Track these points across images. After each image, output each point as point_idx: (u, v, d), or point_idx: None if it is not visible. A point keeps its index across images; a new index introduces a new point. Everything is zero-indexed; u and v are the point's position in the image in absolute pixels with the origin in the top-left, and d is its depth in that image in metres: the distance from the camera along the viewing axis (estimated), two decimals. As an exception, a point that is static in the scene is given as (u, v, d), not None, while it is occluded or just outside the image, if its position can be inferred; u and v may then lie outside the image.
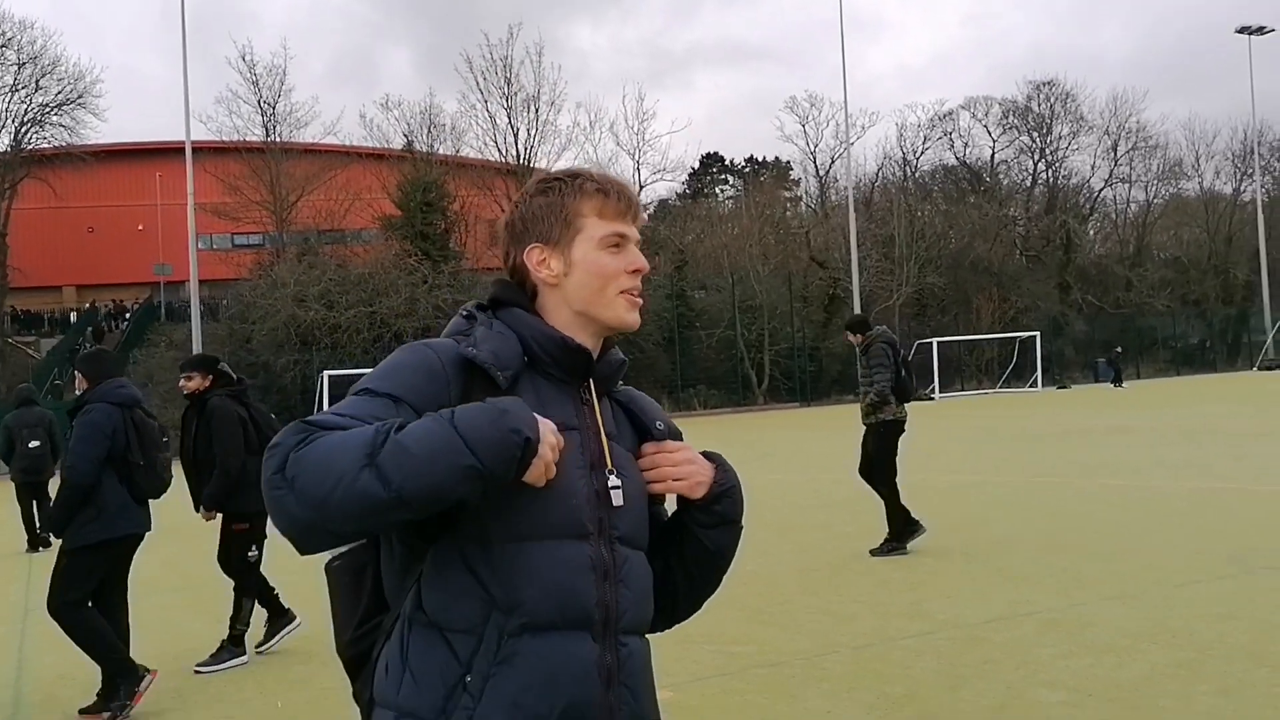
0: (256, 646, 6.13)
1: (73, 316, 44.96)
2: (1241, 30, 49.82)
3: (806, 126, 53.03)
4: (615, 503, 1.53)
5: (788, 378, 41.15)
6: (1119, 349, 41.84)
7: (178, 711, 5.22)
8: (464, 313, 1.63)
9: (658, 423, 1.67)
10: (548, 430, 1.41)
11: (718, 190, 62.43)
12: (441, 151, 40.88)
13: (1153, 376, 44.09)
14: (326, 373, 30.91)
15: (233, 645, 6.00)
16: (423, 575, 1.47)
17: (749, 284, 41.38)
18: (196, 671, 5.84)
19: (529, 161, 41.14)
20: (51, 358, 38.52)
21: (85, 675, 5.32)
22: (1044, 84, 54.07)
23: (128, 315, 44.54)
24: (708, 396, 38.90)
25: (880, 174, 54.00)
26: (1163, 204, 55.72)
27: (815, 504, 11.26)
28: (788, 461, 17.07)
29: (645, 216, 1.54)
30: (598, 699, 1.47)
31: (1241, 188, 55.18)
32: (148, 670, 5.14)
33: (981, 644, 5.46)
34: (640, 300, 1.64)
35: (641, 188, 44.57)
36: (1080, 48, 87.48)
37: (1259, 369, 45.53)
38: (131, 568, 5.47)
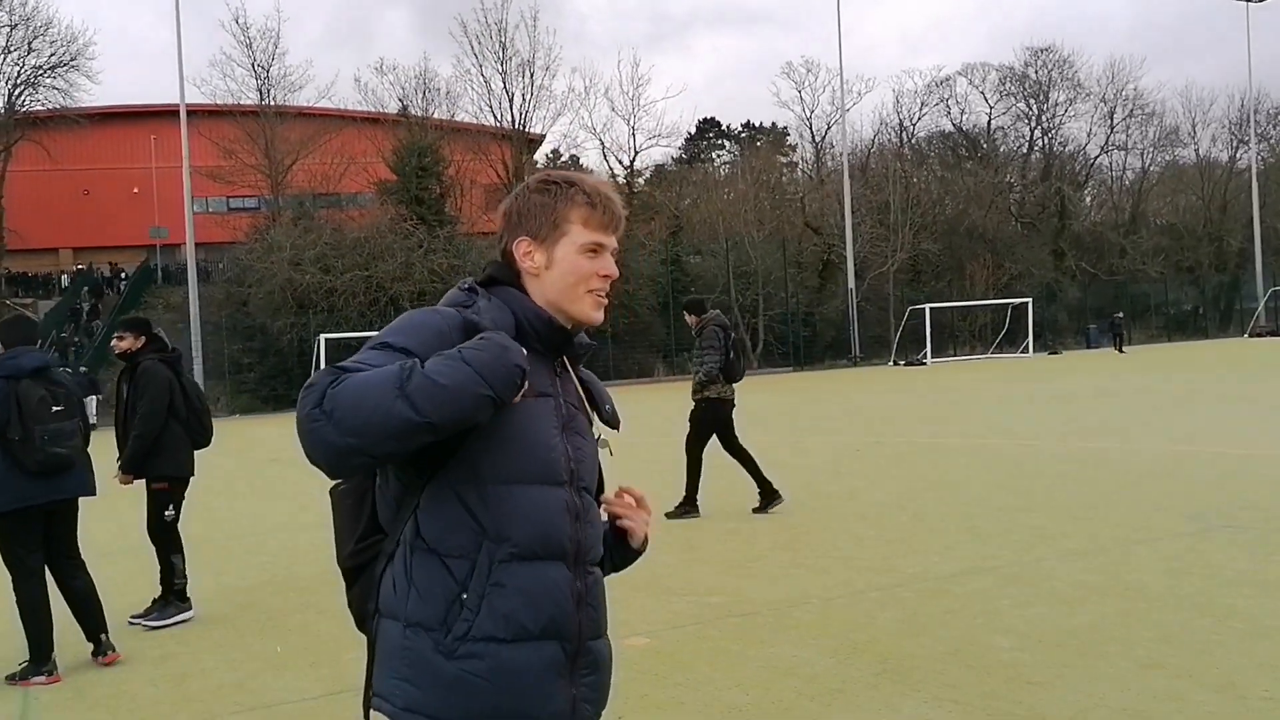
0: (131, 617, 6.12)
1: (64, 280, 44.99)
2: (1240, -4, 49.66)
3: (803, 92, 53.16)
4: (575, 463, 1.82)
5: (782, 342, 41.45)
6: (1120, 314, 42.10)
7: (182, 656, 5.51)
8: (464, 286, 1.88)
9: (606, 404, 1.96)
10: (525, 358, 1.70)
11: (714, 155, 62.40)
12: (436, 116, 40.83)
13: (1145, 343, 44.38)
14: (323, 336, 31.15)
15: (178, 600, 6.14)
16: (419, 507, 1.73)
17: (744, 249, 41.54)
18: (131, 623, 5.98)
19: (524, 126, 41.14)
20: (50, 320, 38.67)
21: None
22: (1042, 50, 53.99)
23: (124, 278, 44.62)
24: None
25: (876, 140, 54.05)
26: (1159, 171, 55.84)
27: (800, 465, 11.55)
28: (777, 424, 17.36)
29: (623, 224, 1.80)
30: (571, 615, 1.77)
31: (1238, 155, 55.30)
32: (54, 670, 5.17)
33: (944, 595, 5.74)
34: (605, 301, 1.90)
35: (637, 153, 44.64)
36: (1081, 13, 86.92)
37: (1250, 336, 45.87)
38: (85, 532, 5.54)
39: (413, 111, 40.47)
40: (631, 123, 44.95)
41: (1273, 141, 57.11)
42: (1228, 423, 13.54)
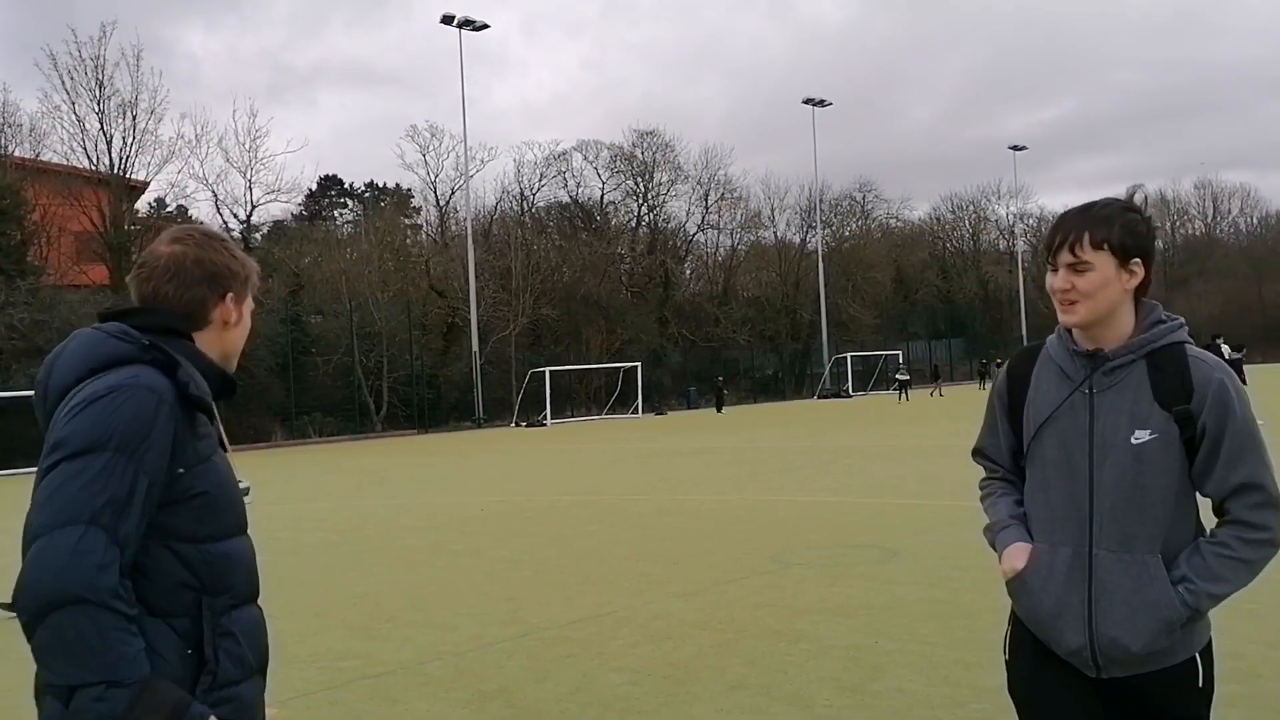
0: None
1: None
2: (807, 101, 57.50)
3: (427, 156, 53.51)
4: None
5: (406, 405, 41.10)
6: (720, 378, 46.37)
7: None
8: (143, 342, 1.82)
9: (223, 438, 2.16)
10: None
11: (336, 214, 60.94)
12: (18, 154, 36.38)
13: (736, 404, 49.12)
14: None
15: None
16: (133, 576, 1.73)
17: (368, 310, 40.90)
18: None
19: (125, 172, 37.76)
20: None
21: None
22: (647, 133, 58.80)
23: None
24: (324, 424, 37.86)
25: (499, 207, 55.73)
26: (745, 249, 62.52)
27: (426, 525, 11.70)
28: (402, 486, 17.32)
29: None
30: (268, 646, 2.02)
31: (807, 238, 63.29)
32: None
33: (566, 641, 6.21)
34: None
35: (254, 207, 42.62)
36: (682, 103, 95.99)
37: (818, 398, 52.42)
38: None
39: (-14, 147, 35.74)
40: (248, 175, 42.81)
41: (834, 228, 66.13)
42: (797, 474, 15.56)
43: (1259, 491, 2.09)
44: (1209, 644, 2.24)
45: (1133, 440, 2.12)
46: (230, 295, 1.99)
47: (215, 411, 1.97)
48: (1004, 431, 2.36)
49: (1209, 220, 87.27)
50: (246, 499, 2.11)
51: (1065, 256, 2.16)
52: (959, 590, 6.96)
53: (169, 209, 45.93)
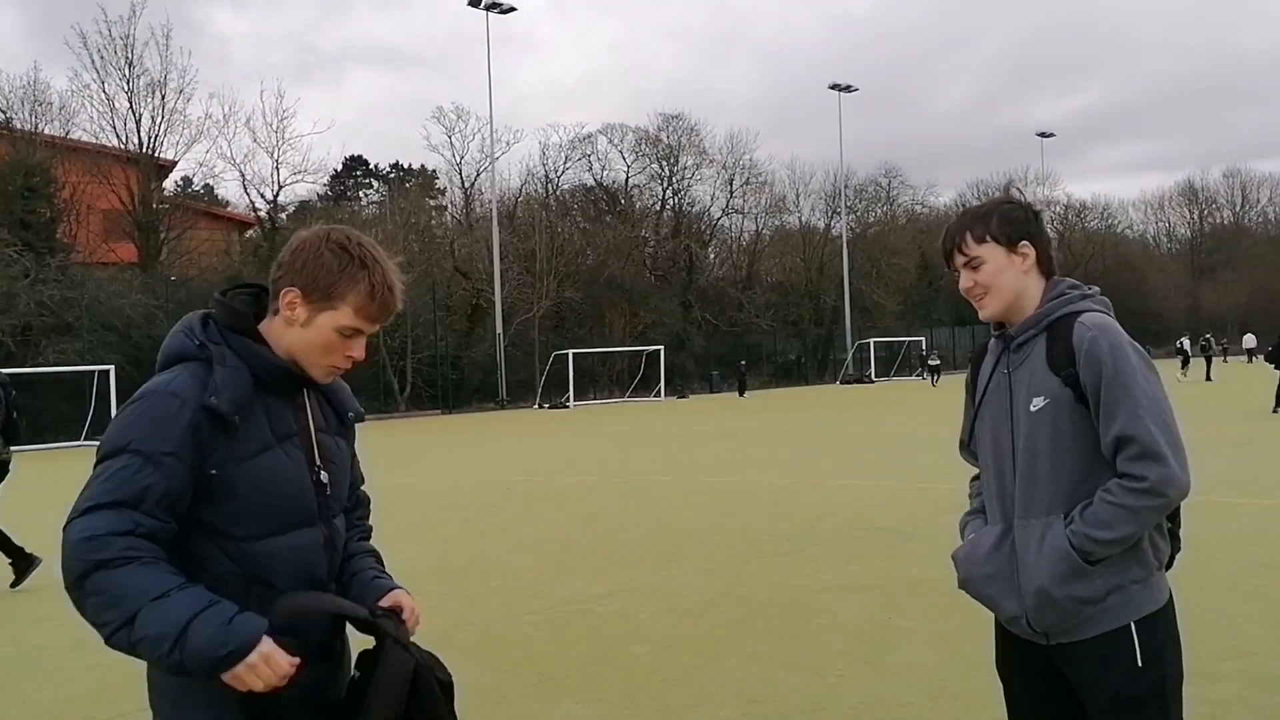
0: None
1: None
2: (833, 87, 57.28)
3: (453, 138, 53.75)
4: (329, 491, 1.99)
5: (430, 385, 41.48)
6: (744, 362, 46.50)
7: None
8: (195, 341, 1.90)
9: (349, 412, 2.12)
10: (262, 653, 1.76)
11: (361, 194, 61.37)
12: (48, 132, 36.90)
13: (758, 389, 49.25)
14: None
15: None
16: (185, 563, 1.83)
17: (392, 291, 41.18)
18: None
19: (154, 151, 38.23)
20: None
21: None
22: (673, 117, 58.74)
23: None
24: (348, 403, 38.25)
25: (524, 189, 55.84)
26: (769, 234, 62.45)
27: (453, 503, 11.98)
28: (428, 465, 17.62)
29: (394, 314, 2.00)
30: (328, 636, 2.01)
31: (832, 224, 63.16)
32: None
33: (591, 614, 6.45)
34: (342, 369, 1.99)
35: (281, 187, 43.01)
36: (708, 87, 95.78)
37: (841, 383, 52.45)
38: None
39: (18, 125, 36.29)
40: (275, 156, 43.17)
41: (859, 213, 65.96)
42: (821, 457, 15.73)
43: (1133, 444, 2.12)
44: (1154, 622, 2.22)
45: (1032, 409, 2.23)
46: (300, 291, 1.91)
47: (299, 400, 1.98)
48: (968, 415, 2.49)
49: (1237, 209, 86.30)
50: None
51: (958, 259, 2.32)
52: (973, 571, 7.15)
53: (196, 188, 46.49)
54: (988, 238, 2.30)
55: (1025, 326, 2.29)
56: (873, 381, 52.11)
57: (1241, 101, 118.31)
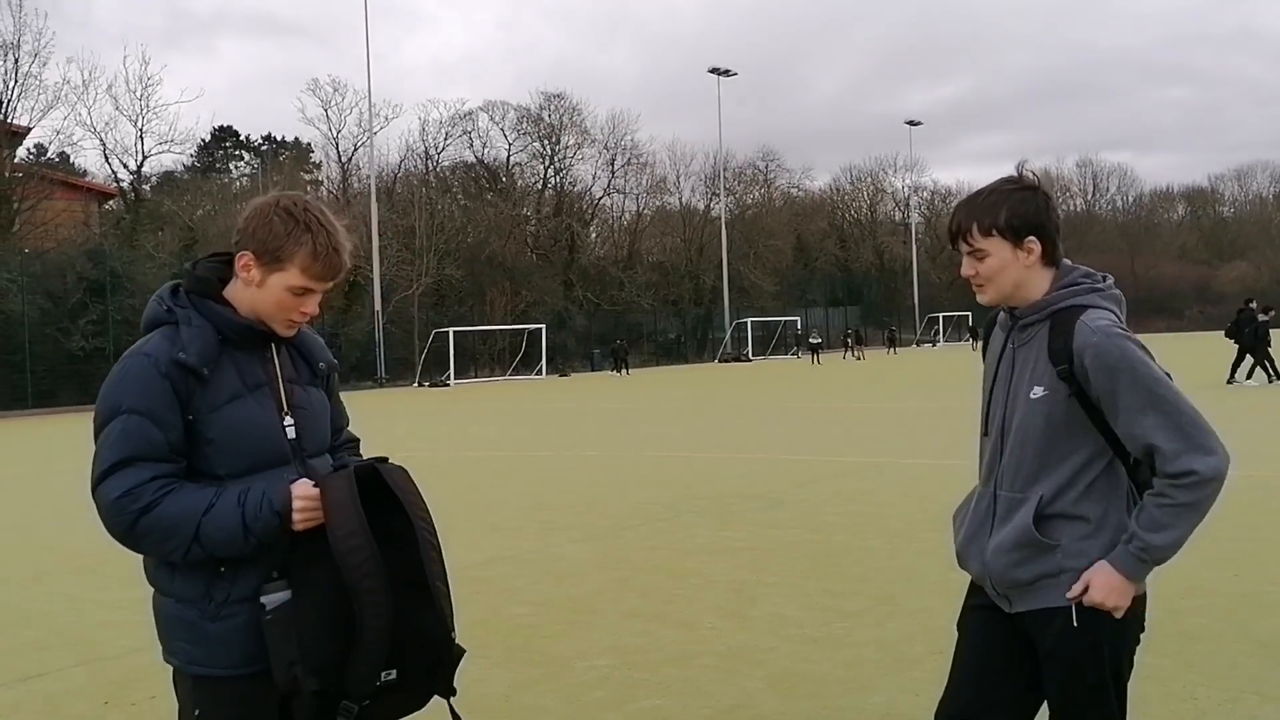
0: None
1: None
2: (713, 71, 58.02)
3: (329, 111, 52.39)
4: (290, 436, 2.18)
5: (305, 364, 40.47)
6: (621, 340, 46.94)
7: None
8: (164, 306, 2.13)
9: (320, 363, 2.31)
10: (295, 495, 2.05)
11: (232, 166, 59.26)
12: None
13: (639, 367, 49.81)
14: None
15: None
16: None
17: (265, 267, 40.06)
18: None
19: (6, 117, 36.15)
20: None
21: None
22: (555, 96, 58.62)
23: None
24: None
25: (403, 166, 54.96)
26: (650, 215, 63.06)
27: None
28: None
29: (343, 272, 2.17)
30: None
31: (711, 205, 64.12)
32: None
33: (473, 580, 6.65)
34: (298, 323, 2.19)
35: (145, 157, 41.29)
36: (592, 67, 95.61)
37: (719, 361, 53.51)
38: None
39: None
40: (139, 124, 41.39)
41: (738, 195, 67.12)
42: (697, 432, 16.23)
43: (1170, 445, 2.15)
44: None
45: (1031, 395, 2.27)
46: (250, 254, 2.09)
47: (267, 354, 2.17)
48: (989, 389, 2.50)
49: (1089, 198, 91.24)
50: None
51: (962, 246, 2.32)
52: (833, 533, 7.65)
53: (52, 157, 44.15)
54: (994, 231, 2.27)
55: (1031, 311, 2.31)
56: (750, 360, 53.32)
57: (1094, 96, 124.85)
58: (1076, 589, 2.22)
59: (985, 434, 2.44)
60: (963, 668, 2.44)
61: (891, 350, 56.02)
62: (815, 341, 47.68)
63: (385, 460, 2.22)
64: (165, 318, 2.13)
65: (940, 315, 68.60)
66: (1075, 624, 2.22)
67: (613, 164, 60.27)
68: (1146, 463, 2.20)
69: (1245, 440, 12.34)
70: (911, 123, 73.41)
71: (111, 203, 44.52)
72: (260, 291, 2.12)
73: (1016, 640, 2.35)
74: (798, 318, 58.94)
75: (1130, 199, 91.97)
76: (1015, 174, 2.36)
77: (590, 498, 9.88)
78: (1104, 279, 2.34)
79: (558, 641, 5.22)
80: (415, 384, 40.21)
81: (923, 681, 4.22)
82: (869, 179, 78.65)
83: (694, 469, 11.67)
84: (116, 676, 4.98)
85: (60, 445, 20.03)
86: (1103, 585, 2.20)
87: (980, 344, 2.60)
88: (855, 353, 49.90)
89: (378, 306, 41.39)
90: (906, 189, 78.14)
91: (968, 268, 2.34)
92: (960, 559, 2.45)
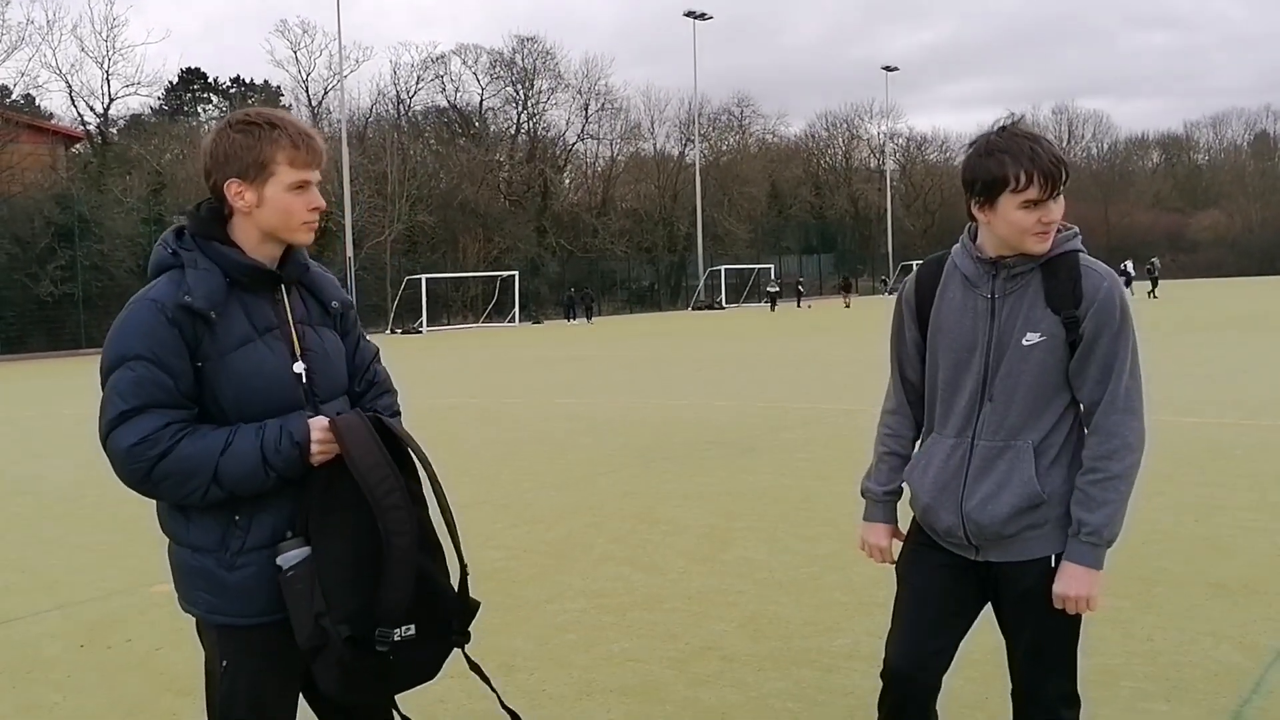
0: None
1: None
2: (688, 14, 57.23)
3: (299, 53, 51.48)
4: (303, 381, 2.14)
5: (276, 311, 40.17)
6: (589, 289, 46.84)
7: None
8: (169, 249, 2.07)
9: (333, 301, 2.26)
10: (312, 431, 2.04)
11: (200, 110, 58.05)
12: None
13: (612, 314, 49.91)
14: None
15: None
16: None
17: (234, 212, 39.51)
18: None
19: (-36, 57, 35.18)
20: None
21: None
22: (528, 39, 57.80)
23: None
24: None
25: (374, 110, 54.11)
26: (625, 161, 62.57)
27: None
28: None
29: (324, 157, 2.12)
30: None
31: (686, 151, 63.67)
32: None
33: (448, 526, 6.72)
34: (316, 223, 2.13)
35: (112, 100, 40.42)
36: (569, 12, 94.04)
37: (693, 309, 53.56)
38: None
39: None
40: (105, 66, 40.55)
41: (713, 141, 66.71)
42: (671, 380, 16.31)
43: (1119, 398, 2.23)
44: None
45: (1024, 342, 2.26)
46: (235, 180, 2.03)
47: (277, 295, 2.13)
48: (912, 337, 2.49)
49: (1064, 145, 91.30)
50: None
51: (1055, 189, 2.26)
52: (804, 478, 7.76)
53: (16, 99, 43.09)
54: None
55: (1025, 260, 2.30)
56: (724, 308, 53.42)
57: (1071, 42, 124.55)
58: (1059, 605, 2.29)
59: (947, 387, 2.39)
60: (912, 615, 2.49)
61: (846, 303, 49.91)
62: (773, 289, 47.74)
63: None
64: (170, 261, 2.07)
65: (914, 263, 68.71)
66: (1054, 565, 2.29)
67: (586, 109, 59.74)
68: (1089, 405, 2.27)
69: (1207, 388, 12.56)
70: (888, 68, 72.96)
71: (78, 146, 43.63)
72: (263, 210, 2.06)
73: (968, 587, 2.41)
74: (771, 265, 58.97)
75: (1105, 146, 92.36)
76: (1011, 123, 2.43)
77: (565, 445, 9.95)
78: (1070, 226, 2.37)
79: (530, 585, 5.29)
80: (388, 331, 40.03)
81: (887, 624, 4.31)
82: (845, 125, 78.40)
83: (667, 416, 11.75)
84: (92, 619, 5.02)
85: (31, 391, 19.86)
86: (1075, 591, 2.27)
87: (908, 290, 2.50)
88: (845, 300, 50.03)
89: (349, 253, 40.96)
90: (882, 135, 77.92)
91: (1055, 211, 2.26)
92: (926, 512, 2.43)
